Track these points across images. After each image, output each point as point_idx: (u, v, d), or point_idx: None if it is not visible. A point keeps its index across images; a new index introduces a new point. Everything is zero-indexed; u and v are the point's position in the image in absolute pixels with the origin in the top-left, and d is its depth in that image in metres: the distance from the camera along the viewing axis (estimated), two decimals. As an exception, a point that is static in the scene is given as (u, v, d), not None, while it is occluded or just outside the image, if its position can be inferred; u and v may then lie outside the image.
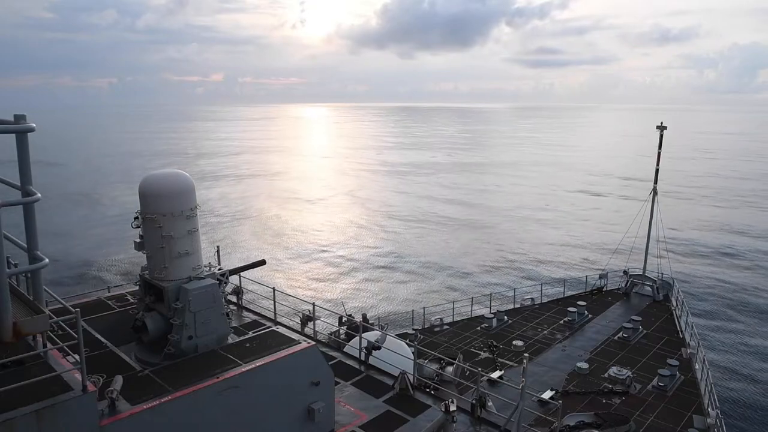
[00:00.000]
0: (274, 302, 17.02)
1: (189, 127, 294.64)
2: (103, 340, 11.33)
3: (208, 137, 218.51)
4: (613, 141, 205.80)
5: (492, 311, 28.13)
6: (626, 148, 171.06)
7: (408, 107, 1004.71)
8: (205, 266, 11.72)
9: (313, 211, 78.30)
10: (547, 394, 19.81)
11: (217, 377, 9.88)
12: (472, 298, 30.27)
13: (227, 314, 11.51)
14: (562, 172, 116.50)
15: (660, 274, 32.21)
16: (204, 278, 11.20)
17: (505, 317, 27.78)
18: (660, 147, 31.89)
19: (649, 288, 31.66)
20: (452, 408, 12.05)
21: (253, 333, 12.05)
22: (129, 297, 13.80)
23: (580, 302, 29.06)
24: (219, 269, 12.03)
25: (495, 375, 21.08)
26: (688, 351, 24.02)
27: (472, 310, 28.97)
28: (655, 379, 21.46)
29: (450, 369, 19.47)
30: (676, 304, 29.40)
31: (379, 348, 15.79)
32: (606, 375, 21.93)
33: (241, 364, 10.35)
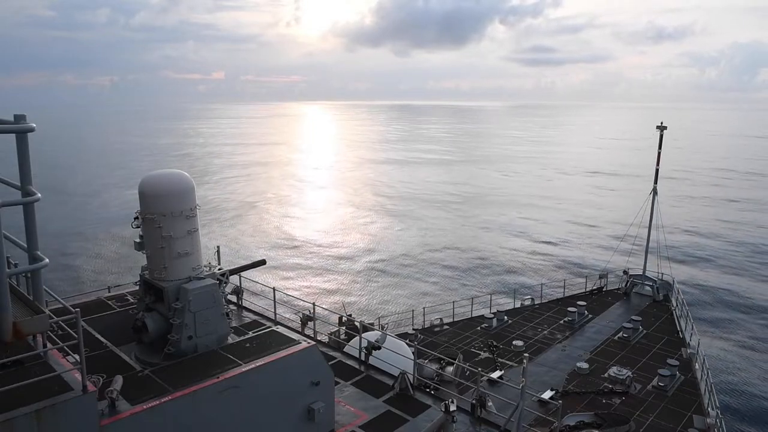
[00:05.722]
0: (274, 302, 17.02)
1: (188, 128, 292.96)
2: (103, 340, 11.33)
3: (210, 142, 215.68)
4: (621, 143, 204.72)
5: (492, 311, 28.10)
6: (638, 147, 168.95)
7: (408, 105, 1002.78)
8: (205, 266, 11.73)
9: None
10: (547, 394, 19.79)
11: (217, 377, 9.88)
12: (472, 298, 30.21)
13: (227, 314, 11.51)
14: (557, 172, 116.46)
15: (660, 274, 32.18)
16: (204, 278, 11.20)
17: (505, 317, 27.76)
18: (660, 147, 31.85)
19: (649, 288, 31.62)
20: (452, 408, 12.03)
21: (253, 333, 12.05)
22: (129, 297, 13.81)
23: (580, 302, 29.03)
24: (219, 269, 12.04)
25: (495, 375, 21.06)
26: (688, 351, 24.01)
27: (472, 310, 28.93)
28: (655, 379, 21.45)
29: (450, 369, 19.47)
30: (676, 304, 29.38)
31: (379, 348, 15.79)
32: (606, 375, 21.93)
33: (241, 364, 10.35)
